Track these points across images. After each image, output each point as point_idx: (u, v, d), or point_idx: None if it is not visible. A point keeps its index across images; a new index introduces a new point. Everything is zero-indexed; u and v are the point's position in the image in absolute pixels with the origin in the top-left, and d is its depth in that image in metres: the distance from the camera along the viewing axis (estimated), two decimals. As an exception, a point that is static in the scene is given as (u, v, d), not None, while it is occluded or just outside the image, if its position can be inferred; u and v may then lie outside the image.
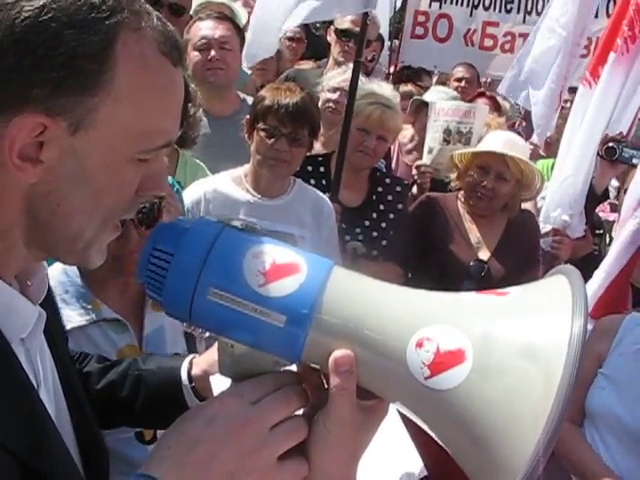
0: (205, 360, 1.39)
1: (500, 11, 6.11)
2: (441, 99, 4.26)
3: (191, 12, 4.03)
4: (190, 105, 2.96)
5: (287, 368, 0.91)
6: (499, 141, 3.34)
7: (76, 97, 0.80)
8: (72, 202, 0.85)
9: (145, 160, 0.89)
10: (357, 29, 4.10)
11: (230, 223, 0.89)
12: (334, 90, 3.70)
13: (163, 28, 0.87)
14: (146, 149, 0.87)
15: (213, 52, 3.45)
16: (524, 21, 6.04)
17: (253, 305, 0.84)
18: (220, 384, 1.25)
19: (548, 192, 3.30)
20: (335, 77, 3.74)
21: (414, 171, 3.88)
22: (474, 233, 3.37)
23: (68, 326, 1.90)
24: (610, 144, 3.25)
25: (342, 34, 4.43)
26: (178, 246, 0.87)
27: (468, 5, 6.12)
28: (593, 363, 2.78)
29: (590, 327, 2.97)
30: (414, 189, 3.84)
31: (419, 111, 4.38)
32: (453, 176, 3.50)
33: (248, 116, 2.88)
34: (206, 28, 3.50)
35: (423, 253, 3.36)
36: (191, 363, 1.41)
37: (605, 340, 2.80)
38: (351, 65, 3.65)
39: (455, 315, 0.83)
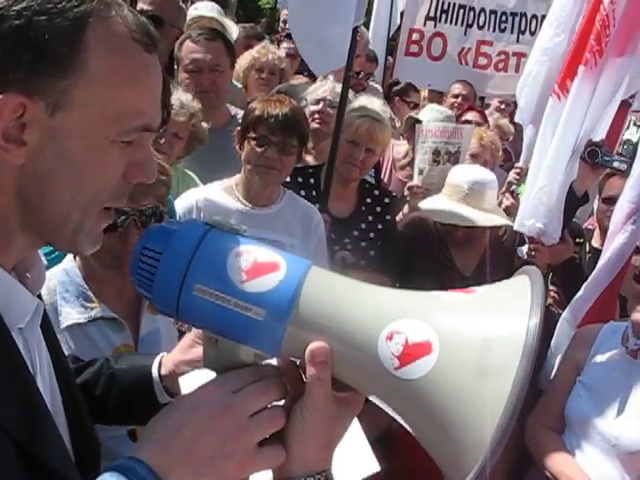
0: (171, 359, 1.43)
1: (494, 30, 6.15)
2: (436, 118, 4.33)
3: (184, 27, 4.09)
4: (188, 119, 3.05)
5: (268, 362, 0.97)
6: (461, 193, 3.35)
7: (50, 78, 0.86)
8: (58, 183, 0.90)
9: (127, 143, 0.92)
10: None
11: (215, 225, 0.96)
12: (317, 102, 3.75)
13: (135, 18, 0.92)
14: (124, 130, 0.91)
15: (204, 77, 3.48)
16: (518, 40, 6.10)
17: (235, 300, 0.90)
18: (189, 385, 1.31)
19: (522, 201, 3.36)
20: (316, 89, 3.80)
21: (406, 192, 3.94)
22: (455, 252, 3.44)
23: (67, 323, 1.96)
24: (592, 147, 3.32)
25: None
26: (167, 245, 0.93)
27: (462, 24, 6.16)
28: (572, 371, 2.84)
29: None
30: (405, 208, 3.91)
31: (414, 128, 4.44)
32: None
33: (239, 127, 2.95)
34: (197, 51, 3.50)
35: (409, 269, 3.42)
36: (161, 361, 1.45)
37: (583, 349, 2.86)
38: (331, 77, 3.74)
39: (424, 310, 0.90)
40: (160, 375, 1.44)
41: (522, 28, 6.12)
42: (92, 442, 1.13)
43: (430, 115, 4.53)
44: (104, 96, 0.89)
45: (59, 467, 0.92)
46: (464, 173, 3.50)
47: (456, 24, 6.15)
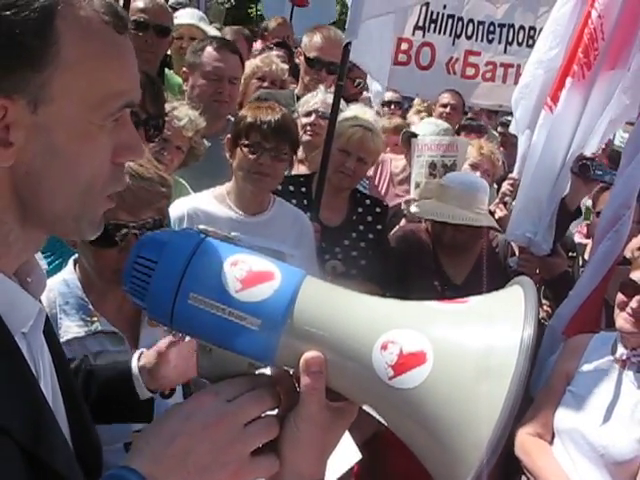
0: (152, 350, 1.44)
1: (482, 40, 6.17)
2: (433, 132, 4.36)
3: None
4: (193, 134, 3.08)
5: (262, 371, 0.97)
6: (453, 197, 3.39)
7: (26, 74, 0.84)
8: (52, 178, 0.89)
9: (113, 124, 0.92)
10: (325, 58, 4.23)
11: (210, 234, 0.96)
12: (308, 114, 3.77)
13: (101, 0, 0.90)
14: (108, 113, 0.90)
15: (224, 87, 3.59)
16: (505, 51, 6.13)
17: (230, 309, 0.90)
18: None
19: (513, 211, 3.39)
20: (308, 101, 3.80)
21: (403, 205, 3.95)
22: (447, 262, 3.47)
23: (67, 337, 1.94)
24: (584, 161, 3.35)
25: (310, 62, 4.41)
26: (161, 254, 0.93)
27: (451, 34, 6.18)
28: (562, 381, 2.86)
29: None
30: (402, 222, 3.92)
31: (409, 142, 4.45)
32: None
33: (229, 135, 2.95)
34: (220, 60, 3.61)
35: (401, 280, 3.44)
36: (140, 356, 1.46)
37: (573, 359, 2.88)
38: (322, 87, 3.76)
39: (418, 320, 0.90)
40: (139, 369, 1.44)
41: (510, 39, 6.14)
42: (94, 446, 1.13)
43: (426, 129, 4.56)
44: (82, 83, 0.87)
45: (64, 471, 0.92)
46: (457, 176, 3.58)
47: (444, 34, 6.16)
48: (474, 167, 4.16)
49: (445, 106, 5.87)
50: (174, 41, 4.39)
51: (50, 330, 1.10)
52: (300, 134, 3.81)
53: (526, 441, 2.83)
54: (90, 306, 2.01)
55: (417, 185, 4.01)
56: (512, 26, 6.13)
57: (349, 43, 3.53)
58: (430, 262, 3.46)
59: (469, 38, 6.18)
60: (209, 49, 3.64)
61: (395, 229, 3.83)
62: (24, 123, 0.85)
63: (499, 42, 6.15)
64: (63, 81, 0.86)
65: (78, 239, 0.99)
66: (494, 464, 0.79)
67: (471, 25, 6.15)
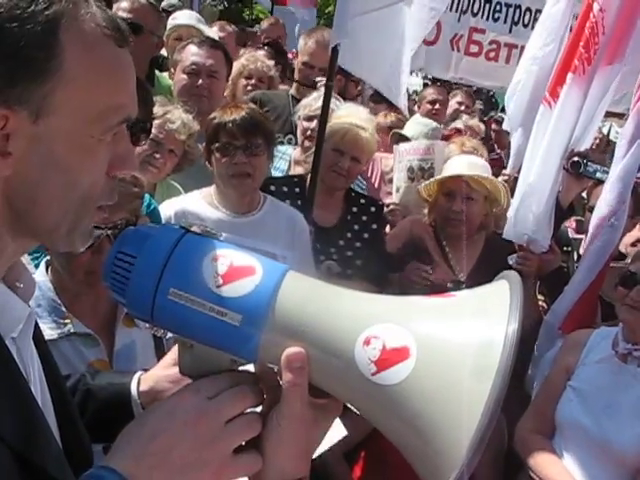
0: (151, 377, 1.40)
1: (487, 19, 6.08)
2: (421, 132, 4.36)
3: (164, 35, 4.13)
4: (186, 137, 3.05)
5: (245, 368, 0.95)
6: (459, 165, 3.48)
7: (30, 86, 0.84)
8: (48, 189, 0.89)
9: (111, 138, 0.92)
10: (317, 64, 4.25)
11: (191, 229, 0.94)
12: (309, 119, 3.75)
13: (103, 13, 0.91)
14: (108, 127, 0.91)
15: (201, 80, 3.55)
16: (510, 31, 6.06)
17: (211, 305, 0.89)
18: None
19: (511, 208, 3.39)
20: (309, 105, 3.78)
21: (385, 209, 3.96)
22: (452, 255, 3.46)
23: None
24: (575, 158, 3.34)
25: (304, 65, 4.46)
26: (141, 249, 0.92)
27: (457, 10, 6.14)
28: (562, 376, 2.84)
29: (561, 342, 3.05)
30: (387, 228, 3.92)
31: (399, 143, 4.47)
32: (425, 211, 3.63)
33: (204, 143, 2.93)
34: (198, 54, 3.59)
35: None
36: (140, 379, 1.42)
37: (574, 354, 2.86)
38: (322, 90, 3.74)
39: (402, 315, 0.88)
40: (139, 392, 1.41)
41: (515, 19, 6.06)
42: (85, 451, 1.12)
43: (415, 129, 4.55)
44: (84, 96, 0.88)
45: (56, 473, 0.91)
46: (461, 156, 3.68)
47: (450, 10, 6.09)
48: None
49: (432, 103, 5.85)
50: (172, 42, 4.40)
51: (39, 335, 1.09)
52: (300, 138, 3.81)
53: (526, 437, 2.82)
54: (63, 308, 2.00)
55: (397, 189, 4.06)
56: (519, 7, 6.06)
57: (338, 44, 3.51)
58: (434, 253, 3.47)
59: (475, 15, 6.09)
60: (189, 46, 3.65)
61: (395, 228, 3.83)
62: (24, 134, 0.85)
63: (504, 22, 6.05)
64: (65, 93, 0.86)
65: (68, 250, 0.98)
66: (493, 459, 0.78)
67: (477, 2, 6.09)
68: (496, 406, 0.77)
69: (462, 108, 5.80)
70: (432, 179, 3.60)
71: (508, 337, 0.80)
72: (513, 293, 0.85)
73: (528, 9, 5.97)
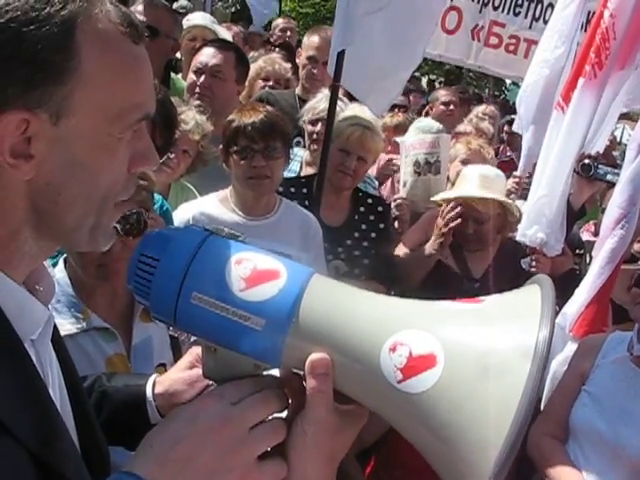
0: (167, 379, 1.40)
1: (508, 13, 6.09)
2: (426, 132, 4.35)
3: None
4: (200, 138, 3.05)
5: (270, 373, 0.93)
6: (471, 182, 3.41)
7: (49, 88, 0.84)
8: (71, 189, 0.89)
9: (131, 135, 0.92)
10: (322, 57, 4.20)
11: (214, 231, 0.93)
12: (314, 122, 3.74)
13: (118, 10, 0.91)
14: (127, 125, 0.91)
15: (202, 79, 3.55)
16: (530, 26, 6.03)
17: (234, 309, 0.87)
18: None
19: (524, 211, 3.38)
20: (314, 107, 3.76)
21: (392, 204, 3.95)
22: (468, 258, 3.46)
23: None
24: (586, 161, 3.33)
25: (309, 60, 4.45)
26: (164, 252, 0.90)
27: (479, 2, 6.12)
28: (577, 381, 2.81)
29: (574, 346, 3.02)
30: (395, 224, 3.91)
31: None
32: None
33: (221, 145, 2.93)
34: (205, 54, 3.62)
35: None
36: (155, 381, 1.42)
37: (589, 358, 2.83)
38: (325, 91, 3.72)
39: (428, 321, 0.86)
40: (154, 394, 1.40)
41: (536, 15, 6.05)
42: (102, 453, 1.12)
43: (420, 130, 4.52)
44: (102, 95, 0.88)
45: (73, 476, 0.90)
46: (474, 168, 3.61)
47: (472, 0, 6.10)
48: (465, 163, 4.15)
49: (446, 104, 5.82)
50: (187, 43, 4.38)
51: (58, 338, 1.09)
52: (307, 142, 3.80)
53: (540, 440, 2.79)
54: (81, 303, 2.01)
55: (404, 184, 4.05)
56: (540, 2, 6.05)
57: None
58: (452, 257, 3.45)
59: (495, 9, 6.11)
60: (203, 48, 3.67)
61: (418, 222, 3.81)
62: (45, 136, 0.86)
63: (525, 16, 6.06)
64: (84, 94, 0.86)
65: (91, 250, 0.98)
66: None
67: None
68: (527, 415, 0.75)
69: (451, 107, 5.75)
70: (446, 196, 3.52)
71: (539, 345, 0.77)
72: (545, 298, 0.83)
73: (550, 5, 5.86)
